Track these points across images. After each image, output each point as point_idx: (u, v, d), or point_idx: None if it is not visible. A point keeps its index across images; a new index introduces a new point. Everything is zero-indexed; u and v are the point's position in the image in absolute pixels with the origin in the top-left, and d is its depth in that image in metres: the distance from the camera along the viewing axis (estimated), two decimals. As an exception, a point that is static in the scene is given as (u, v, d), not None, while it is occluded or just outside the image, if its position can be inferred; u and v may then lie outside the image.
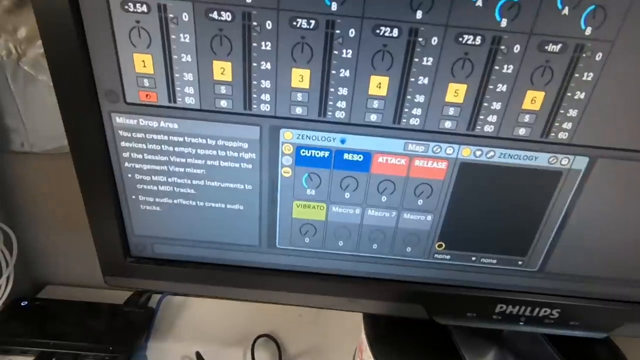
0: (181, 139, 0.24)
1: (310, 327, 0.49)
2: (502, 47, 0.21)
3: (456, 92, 0.22)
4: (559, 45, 0.21)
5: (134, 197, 0.27)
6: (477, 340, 0.33)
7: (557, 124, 0.23)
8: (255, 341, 0.44)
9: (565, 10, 0.20)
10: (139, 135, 0.24)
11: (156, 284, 0.30)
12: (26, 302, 0.45)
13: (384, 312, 0.30)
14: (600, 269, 0.28)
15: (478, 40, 0.21)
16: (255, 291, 0.30)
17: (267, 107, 0.23)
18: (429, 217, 0.27)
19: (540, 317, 0.30)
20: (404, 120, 0.23)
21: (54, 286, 0.52)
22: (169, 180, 0.26)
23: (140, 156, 0.25)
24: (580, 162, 0.24)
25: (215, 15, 0.21)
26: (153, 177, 0.26)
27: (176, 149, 0.25)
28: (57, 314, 0.44)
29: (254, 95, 0.23)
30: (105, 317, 0.45)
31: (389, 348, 0.32)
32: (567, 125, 0.23)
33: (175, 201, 0.27)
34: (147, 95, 0.23)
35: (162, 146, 0.25)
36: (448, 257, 0.28)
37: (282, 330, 0.47)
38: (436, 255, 0.28)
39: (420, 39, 0.21)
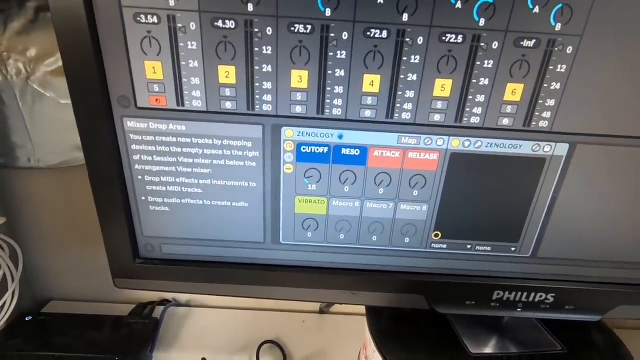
0: (189, 140, 0.26)
1: (314, 332, 0.50)
2: (482, 44, 0.23)
3: (443, 87, 0.24)
4: (533, 41, 0.23)
5: (143, 198, 0.28)
6: (478, 330, 0.34)
7: (537, 114, 0.25)
8: (260, 347, 0.45)
9: (536, 9, 0.22)
10: (149, 138, 0.26)
11: (165, 284, 0.31)
12: (30, 317, 0.45)
13: (386, 304, 0.31)
14: (590, 252, 0.30)
15: (460, 38, 0.23)
16: (261, 288, 0.31)
17: (269, 107, 0.25)
18: (425, 207, 0.28)
19: (536, 302, 0.31)
20: (397, 115, 0.25)
21: (58, 302, 0.52)
22: (177, 180, 0.27)
23: (150, 158, 0.27)
24: (562, 149, 0.26)
25: (220, 23, 0.23)
26: (162, 178, 0.27)
27: (184, 149, 0.26)
28: (61, 327, 0.45)
29: (257, 97, 0.25)
30: (109, 329, 0.45)
31: (392, 341, 0.33)
32: (547, 115, 0.25)
33: (183, 201, 0.28)
34: (157, 100, 0.25)
35: (171, 148, 0.26)
36: (445, 246, 0.30)
37: (287, 336, 0.48)
38: (433, 245, 0.30)
39: (407, 39, 0.23)
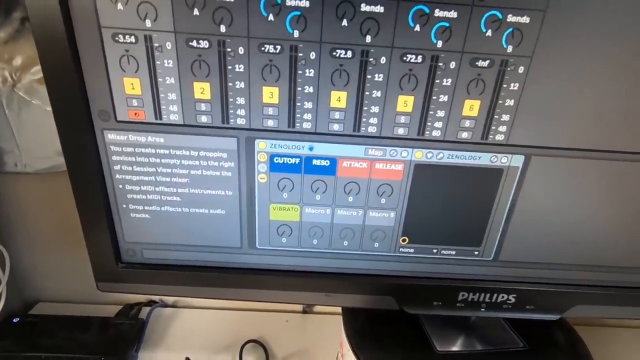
0: (167, 152, 0.27)
1: (297, 332, 0.51)
2: (440, 64, 0.25)
3: (405, 103, 0.26)
4: (487, 61, 0.25)
5: (124, 206, 0.29)
6: (446, 329, 0.36)
7: (493, 128, 0.27)
8: (243, 346, 0.46)
9: (489, 33, 0.24)
10: (129, 149, 0.27)
11: (147, 287, 0.32)
12: (18, 319, 0.46)
13: (358, 305, 0.33)
14: (549, 255, 0.32)
15: (419, 58, 0.25)
16: (239, 290, 0.33)
17: (243, 121, 0.26)
18: (392, 214, 0.30)
19: (499, 303, 0.33)
20: (363, 129, 0.27)
21: (45, 303, 0.53)
22: (157, 189, 0.29)
23: (130, 168, 0.28)
24: (518, 160, 0.28)
25: (194, 43, 0.24)
26: (142, 187, 0.29)
27: (162, 160, 0.28)
28: (48, 328, 0.46)
29: (231, 111, 0.26)
30: (96, 330, 0.46)
31: (365, 340, 0.35)
32: (503, 129, 0.27)
33: (162, 208, 0.29)
34: (135, 114, 0.26)
35: (150, 158, 0.28)
36: (412, 250, 0.31)
37: (270, 336, 0.49)
38: (401, 249, 0.31)
39: (371, 59, 0.25)
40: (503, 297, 0.33)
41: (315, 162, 0.28)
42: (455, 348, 0.34)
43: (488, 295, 0.33)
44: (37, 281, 0.52)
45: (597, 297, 0.33)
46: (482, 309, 0.33)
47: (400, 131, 0.27)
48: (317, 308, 0.54)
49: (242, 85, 0.25)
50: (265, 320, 0.53)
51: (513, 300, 0.33)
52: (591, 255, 0.32)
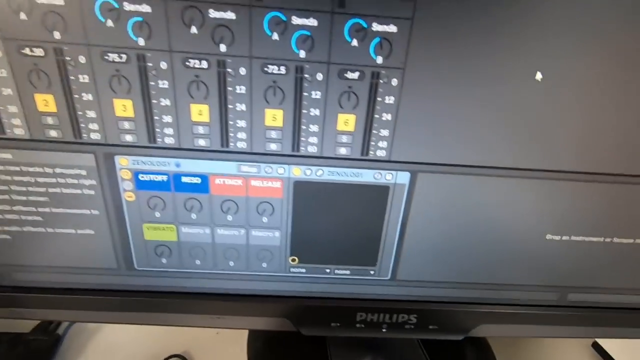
0: (17, 169, 0.25)
1: (225, 345, 0.49)
2: (306, 76, 0.23)
3: (274, 117, 0.24)
4: (357, 73, 0.23)
5: (-19, 226, 0.27)
6: (353, 349, 0.35)
7: (373, 143, 0.25)
8: (163, 363, 0.44)
9: (355, 42, 0.22)
10: (-25, 166, 0.25)
11: (21, 311, 0.30)
12: None
13: (252, 327, 0.31)
14: (447, 274, 0.30)
15: (283, 69, 0.23)
16: (122, 314, 0.30)
17: (98, 136, 0.24)
18: (277, 234, 0.28)
19: (400, 323, 0.31)
20: (232, 144, 0.25)
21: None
22: (14, 208, 0.26)
23: (-21, 186, 0.25)
24: (403, 177, 0.26)
25: (27, 51, 0.22)
26: (-3, 206, 0.26)
27: (15, 178, 0.25)
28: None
29: (82, 125, 0.24)
30: (5, 347, 0.44)
31: (265, 362, 0.33)
32: (383, 144, 0.25)
33: (24, 229, 0.27)
34: (-24, 128, 0.24)
35: (0, 176, 0.25)
36: (303, 270, 0.30)
37: (197, 350, 0.47)
38: (292, 269, 0.30)
39: (229, 70, 0.23)
40: (404, 317, 0.31)
41: (184, 179, 0.26)
42: (355, 371, 0.33)
43: (388, 316, 0.31)
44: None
45: (502, 317, 0.32)
46: (384, 330, 0.32)
47: (273, 146, 0.25)
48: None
49: (90, 97, 0.23)
50: (195, 333, 0.50)
51: (414, 320, 0.31)
52: (492, 274, 0.30)
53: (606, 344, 0.44)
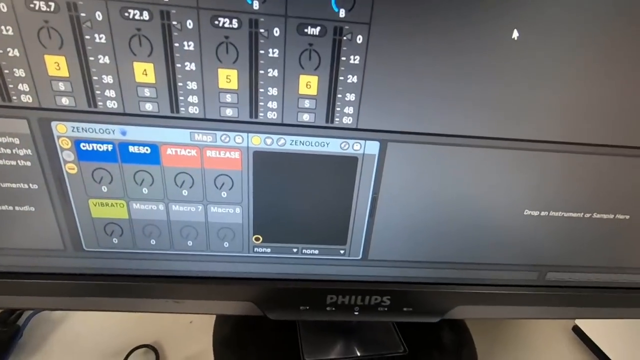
0: (-60, 136, 0.22)
1: (199, 333, 0.47)
2: (262, 31, 0.21)
3: (228, 78, 0.22)
4: (318, 28, 0.21)
5: None
6: (324, 334, 0.33)
7: (338, 109, 0.23)
8: (131, 352, 0.42)
9: (314, -8, 0.20)
10: None
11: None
12: None
13: (215, 312, 0.29)
14: (421, 253, 0.29)
15: (235, 23, 0.20)
16: (73, 299, 0.28)
17: (29, 98, 0.22)
18: (238, 210, 0.26)
19: (372, 306, 0.30)
20: (183, 109, 0.22)
21: None
22: (-59, 182, 0.24)
23: None
24: (372, 147, 0.24)
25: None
26: None
27: (-62, 147, 0.23)
28: None
29: (10, 86, 0.21)
30: (-41, 340, 0.41)
31: (229, 349, 0.31)
32: (349, 110, 0.23)
33: (-46, 205, 0.24)
34: None
35: None
36: (268, 250, 0.28)
37: (167, 339, 0.45)
38: (256, 249, 0.28)
39: (174, 22, 0.20)
40: (377, 299, 0.29)
41: (132, 149, 0.23)
42: (325, 356, 0.31)
43: (360, 298, 0.29)
44: None
45: (479, 297, 0.30)
46: (356, 313, 0.30)
47: (229, 112, 0.23)
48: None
49: (17, 52, 0.20)
50: (167, 321, 0.48)
51: (388, 302, 0.30)
52: (468, 253, 0.29)
53: (587, 327, 0.44)
